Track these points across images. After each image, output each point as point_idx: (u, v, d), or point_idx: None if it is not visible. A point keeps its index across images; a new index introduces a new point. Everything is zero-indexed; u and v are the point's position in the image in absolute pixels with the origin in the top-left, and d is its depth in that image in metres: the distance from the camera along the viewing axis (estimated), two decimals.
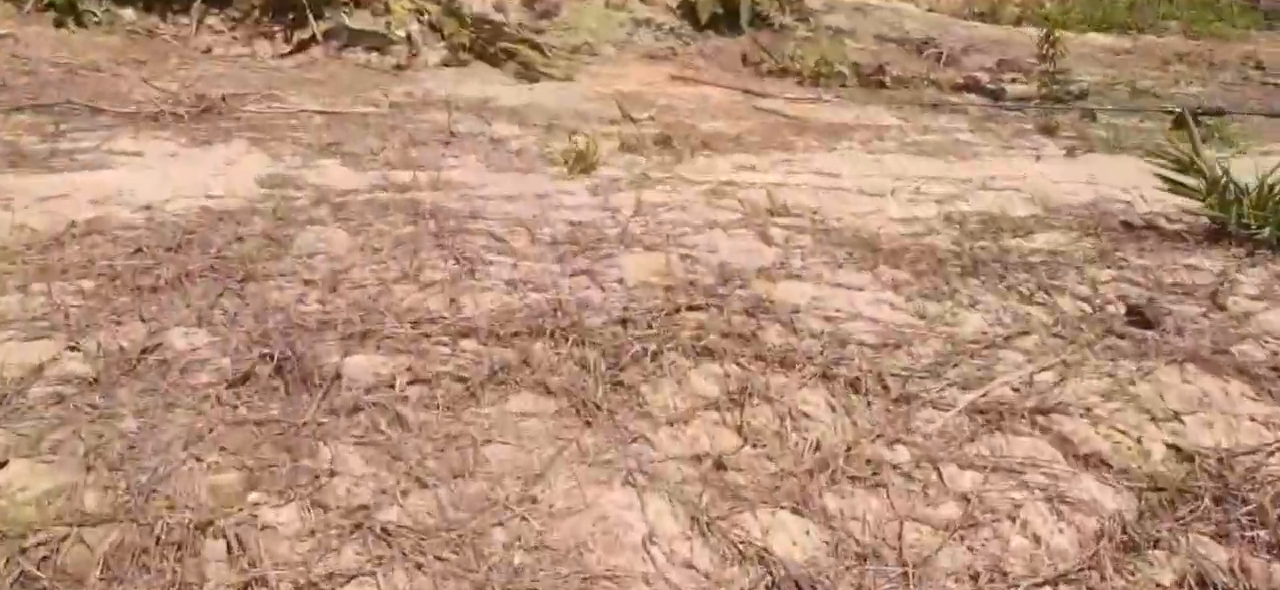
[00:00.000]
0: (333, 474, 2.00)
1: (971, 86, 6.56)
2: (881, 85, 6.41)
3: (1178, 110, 5.52)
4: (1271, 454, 2.22)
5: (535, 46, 5.85)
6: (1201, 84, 7.10)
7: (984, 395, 2.37)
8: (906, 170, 4.29)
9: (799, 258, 3.08)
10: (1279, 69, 7.65)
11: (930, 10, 8.89)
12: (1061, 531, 2.01)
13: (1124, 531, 2.01)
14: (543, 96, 5.27)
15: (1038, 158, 4.77)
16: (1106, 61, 7.66)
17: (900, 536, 1.98)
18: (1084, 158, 4.85)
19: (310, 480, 1.98)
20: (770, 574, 1.87)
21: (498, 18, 6.27)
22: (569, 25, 6.51)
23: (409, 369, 2.32)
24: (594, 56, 6.09)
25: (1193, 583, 1.91)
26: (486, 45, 5.75)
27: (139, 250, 2.83)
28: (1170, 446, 2.26)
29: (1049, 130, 5.40)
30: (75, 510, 1.88)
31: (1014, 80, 6.71)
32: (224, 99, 4.56)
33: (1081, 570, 1.92)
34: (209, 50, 5.59)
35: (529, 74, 5.65)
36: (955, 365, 2.49)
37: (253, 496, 1.93)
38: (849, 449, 2.16)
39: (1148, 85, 6.92)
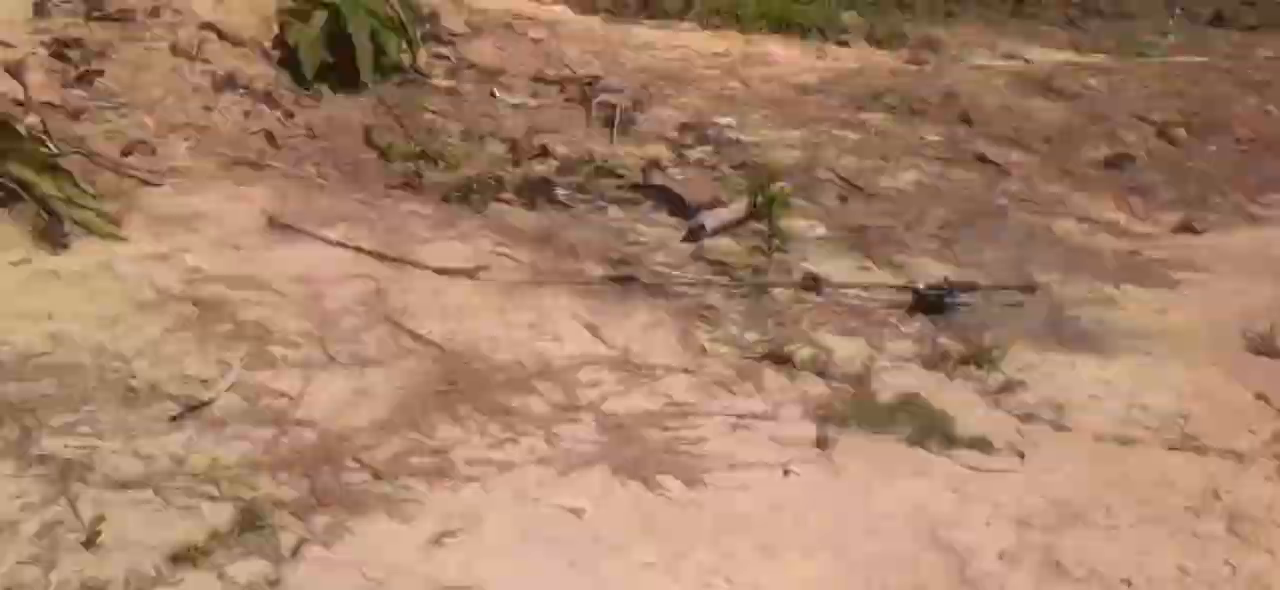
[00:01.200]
0: None
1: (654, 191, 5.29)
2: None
3: (916, 286, 4.45)
4: None
5: (60, 173, 4.02)
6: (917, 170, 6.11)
7: None
8: None
9: None
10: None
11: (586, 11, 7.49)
12: None
13: None
14: (61, 300, 3.54)
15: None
16: (788, 107, 6.54)
17: None
18: None
19: None
20: None
21: (9, 101, 4.36)
22: (123, 100, 4.67)
23: None
24: (155, 169, 4.32)
25: None
26: None
27: None
28: None
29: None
30: None
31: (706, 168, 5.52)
32: None
33: None
34: None
35: (50, 235, 3.85)
36: None
37: None
38: None
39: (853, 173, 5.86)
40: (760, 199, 4.65)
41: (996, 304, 4.52)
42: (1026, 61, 7.92)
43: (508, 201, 4.91)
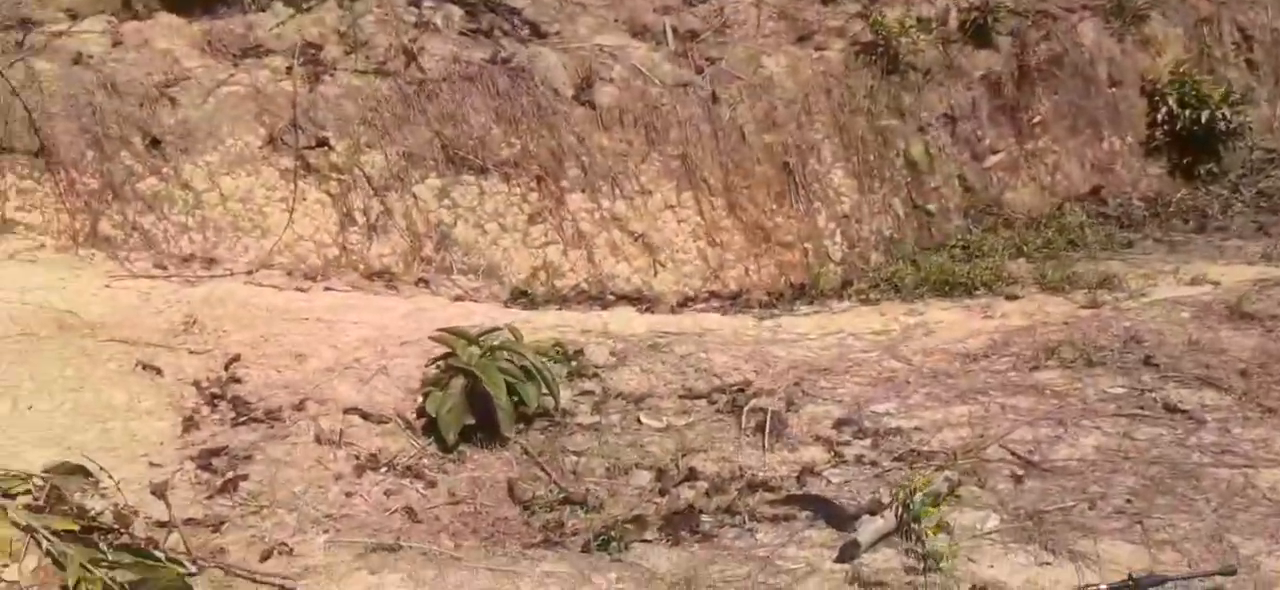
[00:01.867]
0: None
1: (809, 502, 5.01)
2: (692, 530, 4.80)
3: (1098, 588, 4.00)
4: None
5: None
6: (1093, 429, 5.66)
7: None
8: None
9: None
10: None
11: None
12: None
13: None
14: None
15: None
16: (953, 379, 6.19)
17: None
18: None
19: None
20: None
21: (152, 525, 4.46)
22: (265, 502, 4.73)
23: None
24: (289, 573, 4.32)
25: None
26: None
27: None
28: None
29: None
30: None
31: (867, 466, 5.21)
32: None
33: None
34: None
35: None
36: None
37: None
38: None
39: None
40: (904, 505, 4.30)
41: None
42: (1214, 284, 7.37)
43: (650, 541, 4.70)
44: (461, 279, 7.38)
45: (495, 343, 5.60)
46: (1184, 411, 5.59)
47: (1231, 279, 7.39)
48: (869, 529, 4.58)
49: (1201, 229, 9.24)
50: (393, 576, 4.38)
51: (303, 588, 4.25)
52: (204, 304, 6.11)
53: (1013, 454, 5.33)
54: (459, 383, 5.37)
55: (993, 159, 9.66)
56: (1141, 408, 5.68)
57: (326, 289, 6.81)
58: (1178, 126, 10.03)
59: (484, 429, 5.42)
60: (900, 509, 4.39)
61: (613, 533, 4.67)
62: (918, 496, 4.32)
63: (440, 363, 5.55)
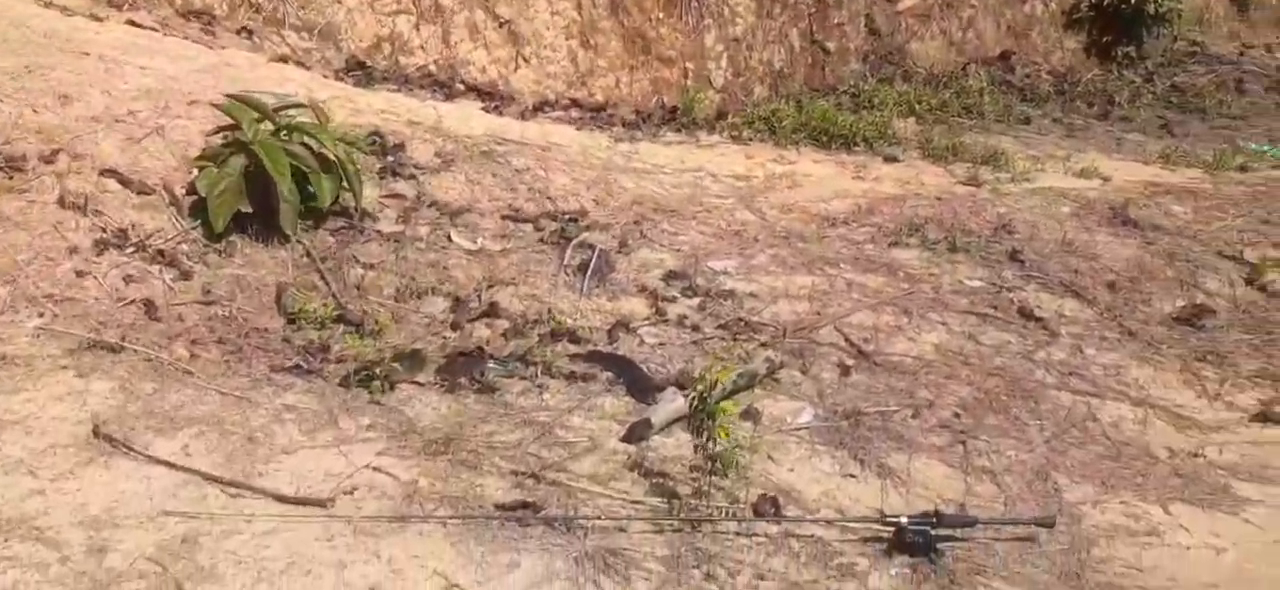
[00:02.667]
0: None
1: (613, 362, 4.45)
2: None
3: (897, 519, 3.52)
4: None
5: None
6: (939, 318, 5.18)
7: None
8: None
9: None
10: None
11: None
12: None
13: None
14: None
15: None
16: (805, 244, 5.65)
17: None
18: None
19: None
20: None
21: None
22: None
23: None
24: None
25: None
26: None
27: None
28: None
29: None
30: None
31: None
32: None
33: None
34: None
35: None
36: None
37: None
38: None
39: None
40: (701, 396, 3.77)
41: (1002, 539, 3.57)
42: (1104, 179, 6.88)
43: (421, 384, 4.12)
44: (292, 36, 6.56)
45: (292, 121, 4.86)
46: (1039, 319, 5.12)
47: (1123, 177, 6.92)
48: (665, 409, 4.05)
49: (1104, 116, 8.74)
50: (102, 384, 3.74)
51: None
52: None
53: (846, 340, 4.82)
54: (239, 162, 4.65)
55: (905, 3, 8.98)
56: (995, 308, 5.20)
57: (129, 22, 5.94)
58: (1104, 1, 9.43)
59: (262, 221, 4.73)
60: (696, 398, 3.84)
61: (378, 368, 4.05)
62: (717, 387, 3.77)
63: (225, 134, 4.81)
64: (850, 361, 4.68)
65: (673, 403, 4.09)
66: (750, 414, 4.21)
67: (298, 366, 4.09)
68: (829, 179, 6.58)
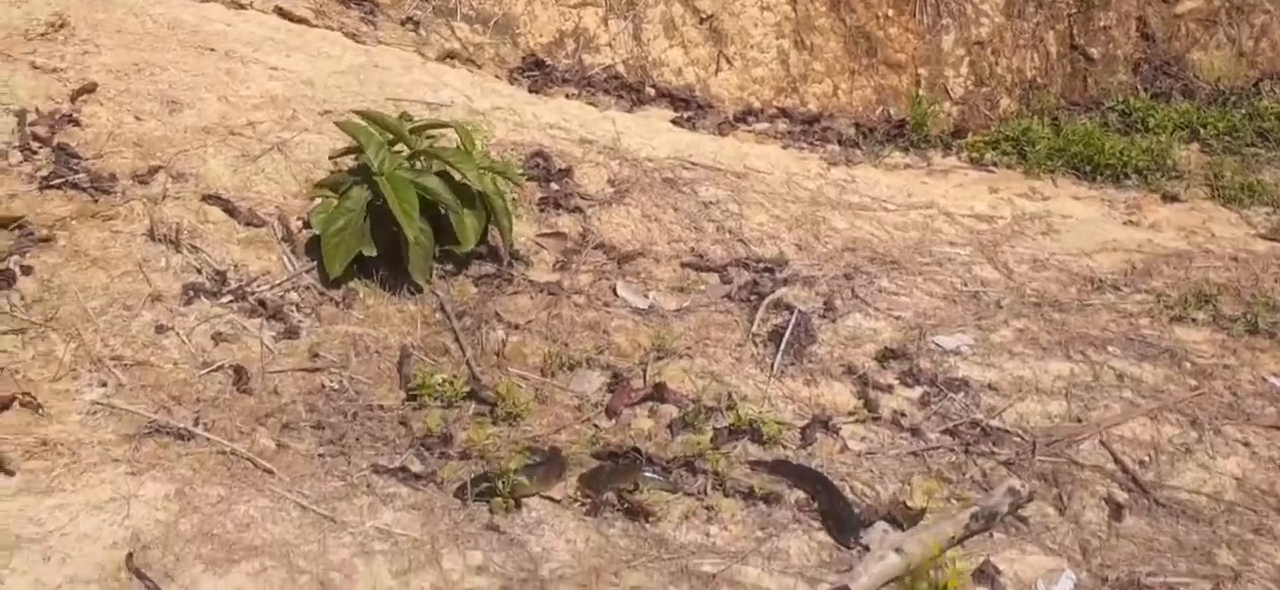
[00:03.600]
0: None
1: (805, 478, 3.45)
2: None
3: None
4: None
5: None
6: None
7: None
8: None
9: None
10: None
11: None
12: None
13: None
14: None
15: None
16: (1062, 316, 4.52)
17: None
18: None
19: None
20: None
21: None
22: (35, 314, 3.32)
23: None
24: (18, 442, 2.91)
25: None
26: None
27: None
28: None
29: None
30: None
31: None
32: None
33: None
34: None
35: None
36: None
37: None
38: None
39: None
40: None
41: None
42: None
43: (556, 502, 3.21)
44: (463, 28, 5.73)
45: (432, 146, 4.02)
46: None
47: None
48: (874, 571, 3.02)
49: None
50: (156, 486, 2.97)
51: (21, 473, 2.85)
52: (85, 3, 4.58)
53: (1116, 462, 3.68)
54: (362, 195, 3.84)
55: (1186, 4, 7.54)
56: None
57: (277, 9, 5.22)
58: None
59: (390, 265, 3.91)
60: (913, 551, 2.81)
61: (504, 477, 3.15)
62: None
63: (349, 157, 4.00)
64: (1122, 496, 3.55)
65: (883, 558, 3.06)
66: (986, 575, 3.15)
67: (404, 469, 3.23)
68: (1093, 223, 5.35)
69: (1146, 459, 3.73)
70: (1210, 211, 5.63)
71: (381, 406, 3.50)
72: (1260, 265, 5.00)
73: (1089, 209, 5.55)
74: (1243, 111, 6.84)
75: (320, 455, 3.22)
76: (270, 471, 3.09)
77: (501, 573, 2.87)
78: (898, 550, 3.06)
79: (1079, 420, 3.89)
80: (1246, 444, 3.82)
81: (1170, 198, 5.73)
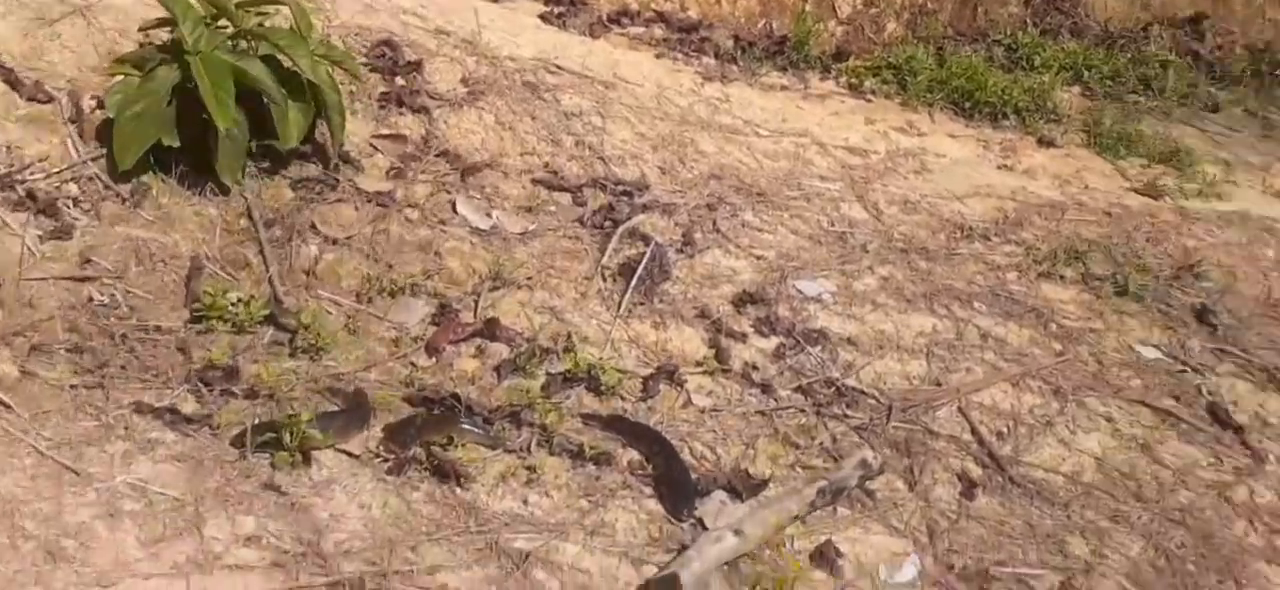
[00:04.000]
0: None
1: (642, 438, 3.14)
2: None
3: None
4: None
5: None
6: None
7: None
8: None
9: None
10: None
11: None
12: None
13: None
14: None
15: None
16: (928, 265, 4.29)
17: None
18: None
19: None
20: None
21: None
22: None
23: None
24: None
25: None
26: None
27: None
28: None
29: None
30: None
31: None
32: None
33: None
34: None
35: None
36: None
37: None
38: None
39: None
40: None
41: None
42: None
43: (355, 458, 2.84)
44: None
45: (256, 24, 3.53)
46: (1237, 429, 3.68)
47: None
48: (707, 555, 2.73)
49: None
50: None
51: None
52: None
53: (974, 432, 3.46)
54: (170, 76, 3.35)
55: None
56: (1177, 399, 3.78)
57: None
58: None
59: (195, 160, 3.44)
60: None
61: (290, 430, 2.76)
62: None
63: (164, 30, 3.50)
64: (976, 471, 3.32)
65: (720, 540, 2.77)
66: (826, 558, 2.89)
67: (173, 409, 2.81)
68: (967, 165, 5.12)
69: (1005, 430, 3.52)
70: (1086, 160, 5.45)
71: (159, 328, 3.07)
72: (1133, 222, 4.82)
73: (964, 148, 5.32)
74: (1129, 56, 6.66)
75: (73, 387, 2.78)
76: (5, 406, 2.65)
77: (275, 545, 2.50)
78: (736, 531, 2.77)
79: (938, 384, 3.65)
80: (1109, 419, 3.63)
81: (1047, 142, 5.53)
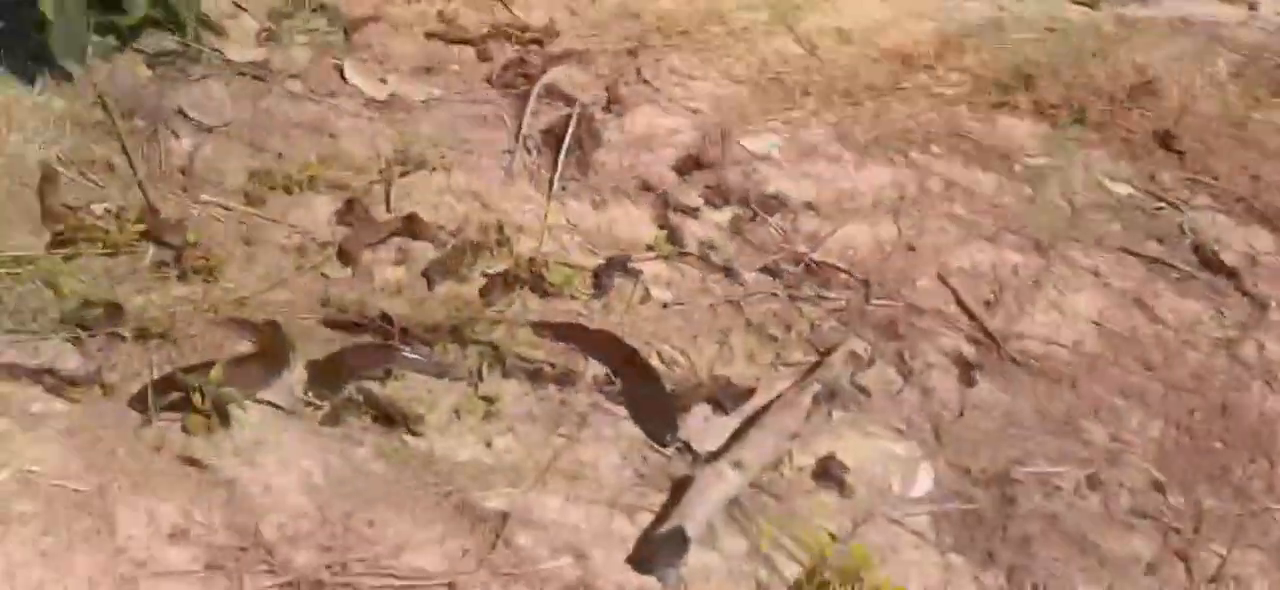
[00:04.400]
0: None
1: (607, 348, 2.67)
2: None
3: None
4: None
5: None
6: None
7: None
8: None
9: None
10: None
11: None
12: None
13: None
14: None
15: None
16: (876, 102, 3.87)
17: None
18: None
19: None
20: None
21: None
22: None
23: None
24: None
25: None
26: None
27: None
28: None
29: None
30: None
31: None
32: None
33: None
34: None
35: None
36: None
37: None
38: None
39: None
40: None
41: None
42: (1250, 6, 5.02)
43: (282, 409, 2.31)
44: None
45: None
46: (1229, 271, 3.41)
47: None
48: (711, 496, 2.31)
49: None
50: None
51: None
52: None
53: (960, 305, 3.10)
54: None
55: None
56: (1160, 242, 3.49)
57: None
58: None
59: (21, 43, 2.76)
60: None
61: (199, 389, 2.21)
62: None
63: None
64: (971, 351, 2.97)
65: (721, 478, 2.35)
66: (831, 476, 2.51)
67: (52, 372, 2.23)
68: None
69: (992, 296, 3.16)
70: None
71: (16, 260, 2.45)
72: (1077, 38, 4.45)
73: None
74: None
75: None
76: None
77: (206, 540, 1.99)
78: (736, 464, 2.37)
79: (912, 248, 3.26)
80: (1096, 273, 3.31)
81: None
